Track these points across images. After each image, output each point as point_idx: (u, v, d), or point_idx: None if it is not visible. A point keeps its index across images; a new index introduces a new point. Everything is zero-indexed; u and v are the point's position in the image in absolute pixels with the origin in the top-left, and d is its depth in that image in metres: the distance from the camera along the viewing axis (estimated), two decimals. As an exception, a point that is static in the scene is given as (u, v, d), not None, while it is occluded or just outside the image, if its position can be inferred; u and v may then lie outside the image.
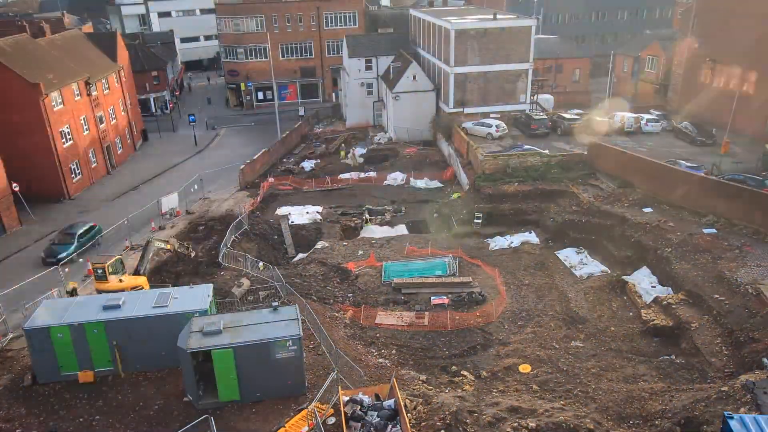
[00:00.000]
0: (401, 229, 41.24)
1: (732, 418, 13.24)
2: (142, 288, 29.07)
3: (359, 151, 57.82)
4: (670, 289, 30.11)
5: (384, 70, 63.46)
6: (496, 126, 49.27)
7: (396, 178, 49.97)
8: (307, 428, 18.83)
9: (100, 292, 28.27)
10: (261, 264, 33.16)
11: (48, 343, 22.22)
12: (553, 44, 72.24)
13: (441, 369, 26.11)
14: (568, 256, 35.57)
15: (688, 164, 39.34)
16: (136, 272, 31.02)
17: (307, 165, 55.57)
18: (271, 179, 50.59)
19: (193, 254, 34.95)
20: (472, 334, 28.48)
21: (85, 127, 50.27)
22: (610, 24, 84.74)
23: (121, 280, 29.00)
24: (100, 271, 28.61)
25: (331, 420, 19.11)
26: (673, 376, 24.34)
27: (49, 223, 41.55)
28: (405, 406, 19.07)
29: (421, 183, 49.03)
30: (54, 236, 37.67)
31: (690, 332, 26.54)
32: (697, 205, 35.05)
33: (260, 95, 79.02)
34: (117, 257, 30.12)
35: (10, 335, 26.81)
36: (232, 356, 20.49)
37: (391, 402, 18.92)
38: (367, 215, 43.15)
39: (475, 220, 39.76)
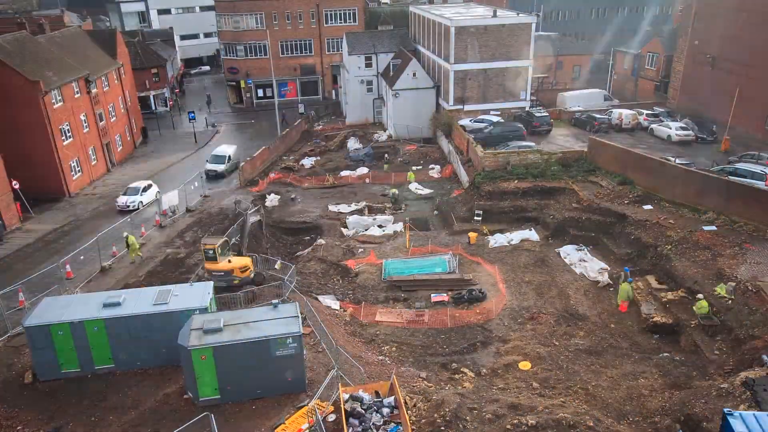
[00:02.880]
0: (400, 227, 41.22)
1: (732, 415, 13.25)
2: (249, 267, 30.12)
3: (352, 144, 58.61)
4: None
5: (384, 67, 63.37)
6: (493, 122, 49.18)
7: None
8: (307, 425, 18.84)
9: (210, 272, 29.43)
10: (278, 263, 33.27)
11: (48, 340, 22.24)
12: (553, 41, 72.13)
13: (441, 366, 26.12)
14: (569, 253, 35.56)
15: (680, 161, 39.35)
16: (239, 253, 31.91)
17: (307, 162, 55.57)
18: (272, 175, 50.57)
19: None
20: (472, 332, 28.51)
21: (85, 125, 50.23)
22: (610, 21, 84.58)
23: (230, 261, 30.21)
24: (210, 252, 29.54)
25: (332, 417, 19.16)
26: (672, 373, 24.37)
27: (49, 221, 41.54)
28: (405, 403, 19.11)
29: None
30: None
31: (690, 329, 26.58)
32: (697, 202, 35.04)
33: (260, 92, 78.98)
34: (224, 239, 31.10)
35: (10, 333, 26.78)
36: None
37: (391, 399, 18.95)
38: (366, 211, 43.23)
39: (475, 218, 39.73)
